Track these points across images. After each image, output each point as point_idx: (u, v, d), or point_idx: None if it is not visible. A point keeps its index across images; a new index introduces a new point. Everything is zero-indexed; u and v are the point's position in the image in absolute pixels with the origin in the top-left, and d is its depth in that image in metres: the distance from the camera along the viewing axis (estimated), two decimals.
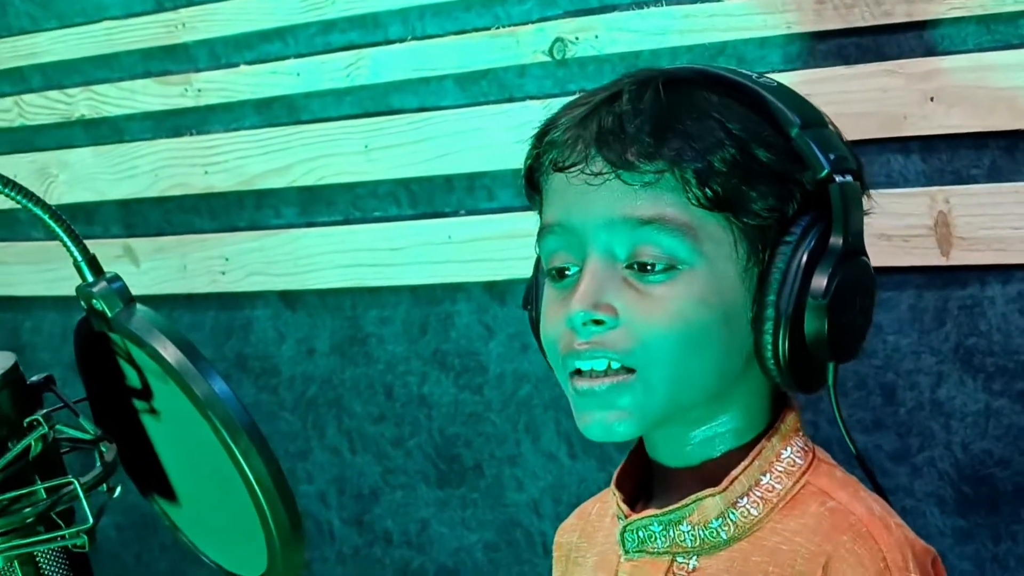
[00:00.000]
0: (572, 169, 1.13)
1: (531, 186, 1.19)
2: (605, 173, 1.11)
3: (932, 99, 1.80)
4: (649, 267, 1.11)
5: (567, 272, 1.15)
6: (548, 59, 2.13)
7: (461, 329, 2.35)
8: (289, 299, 2.56)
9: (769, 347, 1.12)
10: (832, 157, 1.13)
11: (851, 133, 1.84)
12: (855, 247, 1.14)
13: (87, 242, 1.05)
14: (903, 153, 1.86)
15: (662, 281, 1.11)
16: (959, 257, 1.82)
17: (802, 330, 1.12)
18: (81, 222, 2.76)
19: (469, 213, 2.29)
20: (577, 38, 2.10)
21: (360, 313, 2.47)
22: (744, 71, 1.18)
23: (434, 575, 2.46)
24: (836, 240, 1.12)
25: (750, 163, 1.11)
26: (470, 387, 2.36)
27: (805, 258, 1.11)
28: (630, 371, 1.12)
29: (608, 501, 1.28)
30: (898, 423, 1.92)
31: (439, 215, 2.32)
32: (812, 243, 1.12)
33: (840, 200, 1.12)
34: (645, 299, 1.11)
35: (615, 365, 1.11)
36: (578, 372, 1.13)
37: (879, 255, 1.84)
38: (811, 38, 1.90)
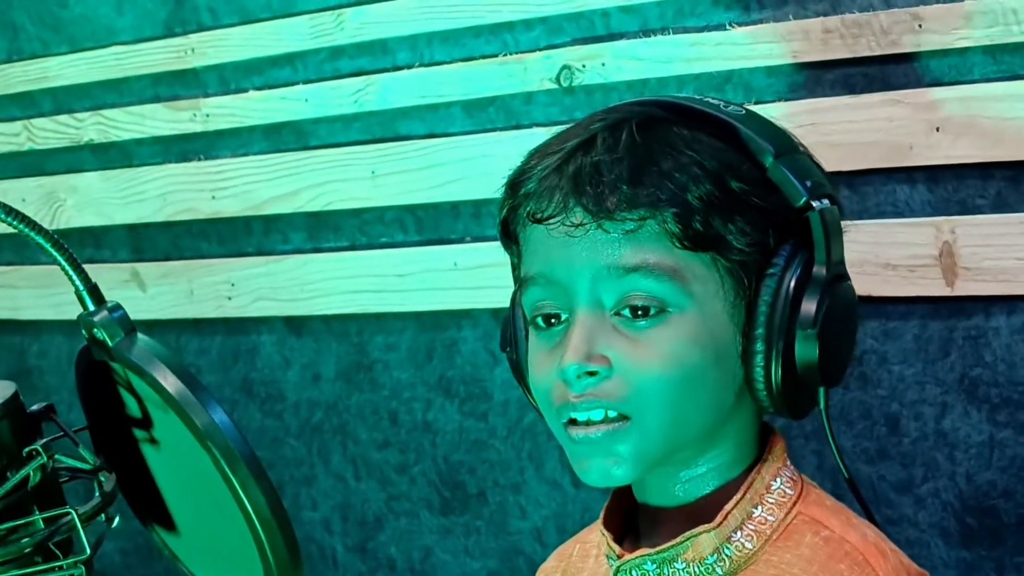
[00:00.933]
0: (551, 221, 1.11)
1: (507, 236, 1.18)
2: (586, 224, 1.10)
3: (938, 129, 1.80)
4: (639, 313, 1.10)
5: (552, 321, 1.13)
6: (555, 86, 2.13)
7: (466, 356, 2.35)
8: (295, 325, 2.56)
9: (761, 379, 1.12)
10: (809, 184, 1.13)
11: (857, 163, 1.87)
12: (838, 272, 1.14)
13: (95, 267, 1.06)
14: (908, 183, 1.86)
15: (652, 326, 1.10)
16: (964, 288, 1.82)
17: (793, 359, 1.12)
18: (89, 246, 2.76)
19: (475, 240, 2.29)
20: (584, 66, 2.10)
21: (366, 339, 2.47)
22: (712, 100, 1.17)
23: None
24: (820, 268, 1.12)
25: (728, 198, 1.10)
26: (475, 414, 2.36)
27: (792, 288, 1.11)
28: (625, 418, 1.11)
29: (588, 541, 1.29)
30: (902, 453, 1.92)
31: (445, 241, 2.33)
32: (797, 272, 1.12)
33: (821, 227, 1.12)
34: (637, 346, 1.10)
35: (612, 414, 1.10)
36: (573, 422, 1.11)
37: (884, 285, 1.86)
38: (817, 67, 1.90)
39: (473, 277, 2.27)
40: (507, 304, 2.27)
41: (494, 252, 2.21)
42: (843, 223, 1.18)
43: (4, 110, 2.86)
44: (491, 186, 2.20)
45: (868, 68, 1.87)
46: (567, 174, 1.11)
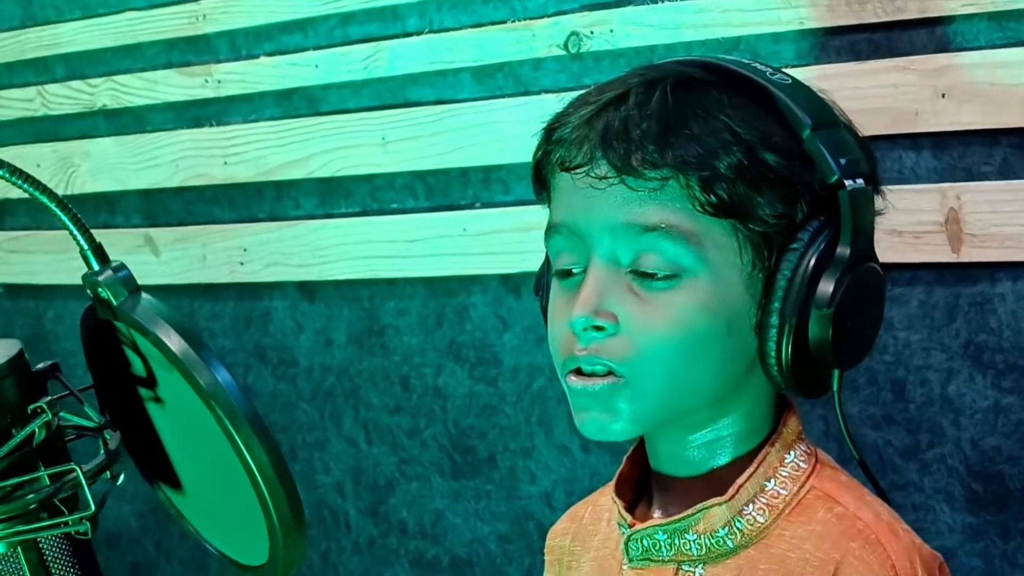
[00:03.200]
0: (578, 171, 1.11)
1: (539, 182, 1.18)
2: (610, 178, 1.09)
3: (944, 96, 1.80)
4: (653, 274, 1.10)
5: (572, 273, 1.13)
6: (563, 53, 2.14)
7: (476, 321, 2.36)
8: (307, 290, 2.57)
9: (773, 354, 1.11)
10: (843, 161, 1.10)
11: (863, 129, 1.86)
12: (864, 254, 1.12)
13: (109, 232, 1.06)
14: (914, 149, 1.86)
15: (665, 288, 1.09)
16: (970, 254, 1.82)
17: (806, 338, 1.10)
18: (103, 211, 2.78)
19: (485, 206, 2.29)
20: (592, 32, 2.10)
21: (377, 304, 2.48)
22: (760, 65, 1.15)
23: (448, 566, 2.47)
24: (844, 248, 1.10)
25: (757, 168, 1.09)
26: (485, 379, 2.37)
27: (812, 265, 1.10)
28: (622, 378, 1.10)
29: (600, 504, 1.29)
30: (908, 419, 1.92)
31: (455, 207, 2.33)
32: (820, 250, 1.10)
33: (850, 207, 1.10)
34: (647, 306, 1.10)
35: (615, 370, 1.10)
36: (576, 371, 1.12)
37: (890, 251, 1.85)
38: (824, 34, 1.90)
39: (483, 243, 2.28)
40: (516, 270, 2.29)
41: (503, 218, 2.25)
42: (885, 201, 1.17)
43: (18, 76, 2.87)
44: (500, 152, 2.24)
45: (874, 35, 1.86)
46: (597, 127, 1.10)
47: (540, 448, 2.32)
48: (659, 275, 1.09)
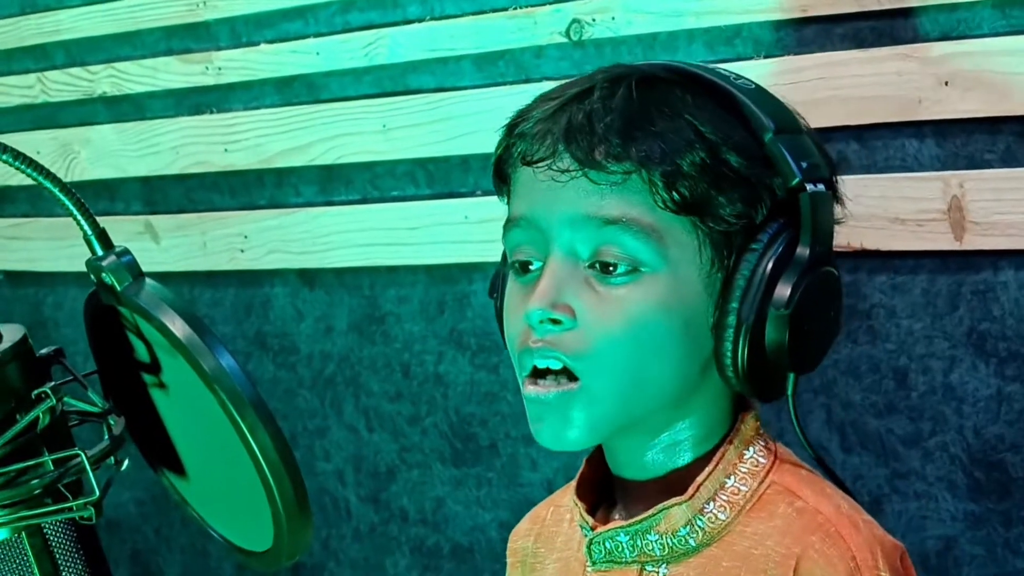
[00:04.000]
0: (540, 164, 1.11)
1: (499, 177, 1.18)
2: (572, 171, 1.09)
3: (947, 83, 1.80)
4: (611, 268, 1.10)
5: (530, 267, 1.13)
6: (565, 40, 2.13)
7: (477, 309, 2.36)
8: (307, 277, 2.57)
9: (728, 355, 1.11)
10: (804, 165, 1.11)
11: (865, 117, 1.87)
12: (822, 257, 1.12)
13: (109, 219, 1.06)
14: (917, 137, 1.86)
15: (623, 283, 1.09)
16: (972, 242, 1.82)
17: (763, 339, 1.10)
18: (104, 199, 2.77)
19: (485, 193, 2.29)
20: (594, 19, 2.10)
21: (378, 292, 2.48)
22: (723, 71, 1.16)
23: (449, 553, 2.47)
24: (803, 250, 1.10)
25: (720, 167, 1.09)
26: (486, 367, 2.37)
27: (770, 267, 1.10)
28: (575, 379, 1.10)
29: (562, 505, 1.28)
30: (910, 407, 1.92)
31: (456, 195, 2.33)
32: (779, 251, 1.10)
33: (810, 209, 1.10)
34: (604, 302, 1.09)
35: (567, 364, 1.10)
36: (531, 377, 1.11)
37: (893, 239, 1.86)
38: (826, 21, 1.90)
39: (484, 230, 2.28)
40: None
41: (504, 206, 2.24)
42: (843, 211, 1.17)
43: (18, 63, 2.87)
44: None
45: (877, 22, 1.86)
46: (561, 121, 1.10)
47: None
48: (618, 269, 1.09)
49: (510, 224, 1.15)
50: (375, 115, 2.37)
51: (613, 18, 2.08)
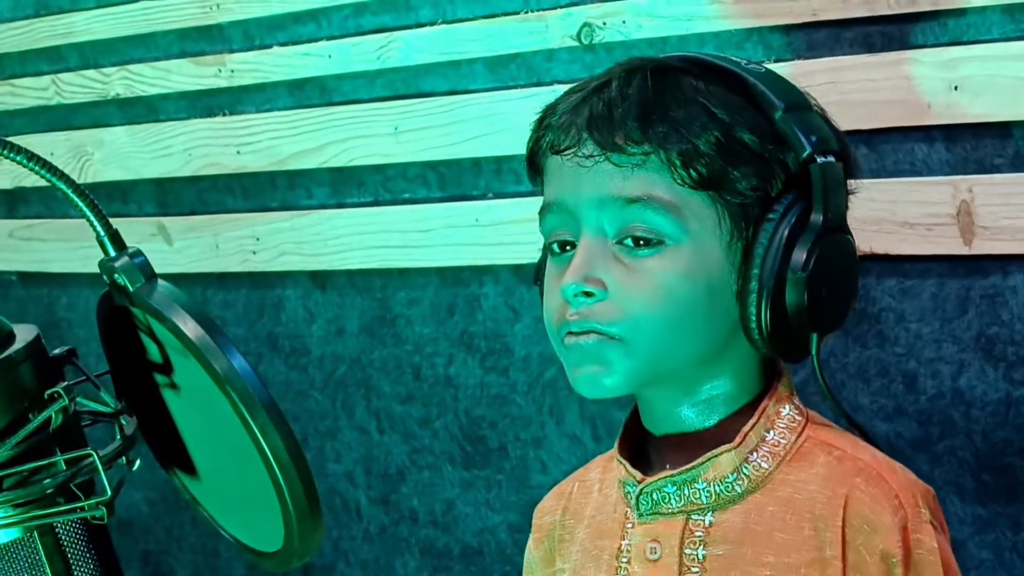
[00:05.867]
0: (566, 152, 1.19)
1: (532, 167, 1.26)
2: (595, 156, 1.18)
3: (956, 88, 1.80)
4: (637, 243, 1.18)
5: (566, 248, 1.21)
6: (576, 44, 2.14)
7: (488, 311, 2.36)
8: (319, 279, 2.57)
9: (753, 318, 1.18)
10: (814, 139, 1.19)
11: (875, 121, 1.87)
12: (835, 224, 1.19)
13: (122, 220, 1.06)
14: (927, 142, 1.86)
15: (649, 256, 1.18)
16: (981, 246, 1.82)
17: (784, 302, 1.18)
18: (116, 200, 2.78)
19: (496, 196, 2.30)
20: (605, 23, 2.10)
21: (389, 294, 2.49)
22: (734, 58, 1.24)
23: (459, 555, 2.48)
24: (816, 217, 1.18)
25: (733, 145, 1.17)
26: (496, 369, 2.38)
27: (786, 234, 1.17)
28: (615, 339, 1.17)
29: (587, 479, 1.34)
30: (919, 411, 1.93)
31: (467, 198, 2.33)
32: (793, 220, 1.18)
33: (820, 179, 1.18)
34: (632, 274, 1.17)
35: (605, 331, 1.17)
36: (570, 334, 1.19)
37: (902, 243, 1.86)
38: (836, 26, 1.90)
39: (494, 233, 2.28)
40: (528, 260, 2.29)
41: (515, 208, 2.25)
42: (858, 181, 1.25)
43: (32, 65, 2.88)
44: (513, 142, 2.23)
45: (887, 27, 1.86)
46: (583, 112, 1.19)
47: (551, 438, 2.32)
48: (643, 243, 1.18)
49: (544, 210, 1.23)
50: (387, 118, 2.38)
51: (624, 22, 2.08)
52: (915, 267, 1.90)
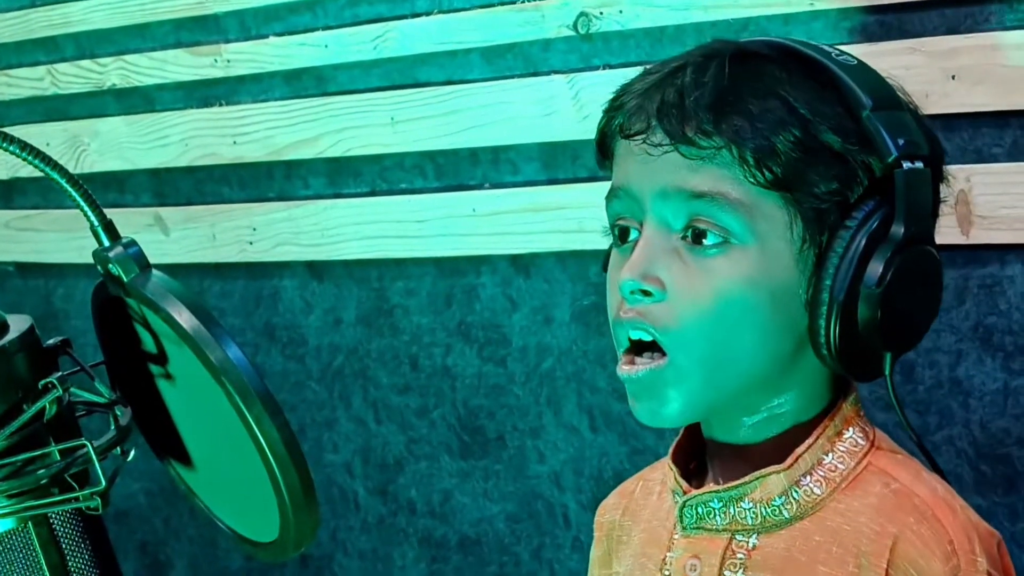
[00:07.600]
0: (636, 137, 1.13)
1: (602, 150, 1.20)
2: (664, 145, 1.11)
3: (954, 77, 1.80)
4: (702, 237, 1.11)
5: (628, 235, 1.16)
6: (573, 34, 2.13)
7: (485, 301, 2.36)
8: (316, 269, 2.57)
9: (821, 332, 1.10)
10: (902, 142, 1.10)
11: None
12: (918, 236, 1.11)
13: (119, 211, 1.06)
14: None
15: (713, 255, 1.11)
16: (979, 236, 1.81)
17: (855, 318, 1.10)
18: (113, 191, 2.78)
19: (494, 186, 2.29)
20: (602, 13, 2.10)
21: (386, 284, 2.49)
22: (825, 47, 1.16)
23: (456, 545, 2.48)
24: (897, 228, 1.10)
25: (813, 144, 1.09)
26: (494, 359, 2.37)
27: (863, 244, 1.10)
28: (663, 354, 1.12)
29: (651, 479, 1.30)
30: (917, 401, 1.92)
31: (464, 188, 2.33)
32: (872, 229, 1.10)
33: (904, 186, 1.10)
34: (693, 274, 1.11)
35: (654, 337, 1.12)
36: (626, 354, 1.14)
37: None
38: (834, 15, 1.90)
39: (492, 223, 2.28)
40: (525, 251, 2.29)
41: (513, 198, 2.25)
42: (951, 190, 1.18)
43: (28, 55, 2.87)
44: (510, 132, 2.24)
45: (885, 16, 1.86)
46: (655, 97, 1.12)
47: (548, 428, 2.32)
48: (708, 239, 1.11)
49: (611, 194, 1.17)
50: (384, 108, 2.37)
51: (620, 11, 2.08)
52: None
